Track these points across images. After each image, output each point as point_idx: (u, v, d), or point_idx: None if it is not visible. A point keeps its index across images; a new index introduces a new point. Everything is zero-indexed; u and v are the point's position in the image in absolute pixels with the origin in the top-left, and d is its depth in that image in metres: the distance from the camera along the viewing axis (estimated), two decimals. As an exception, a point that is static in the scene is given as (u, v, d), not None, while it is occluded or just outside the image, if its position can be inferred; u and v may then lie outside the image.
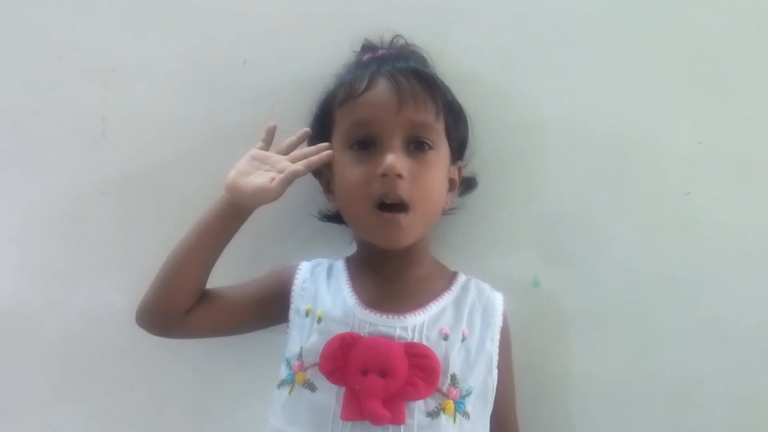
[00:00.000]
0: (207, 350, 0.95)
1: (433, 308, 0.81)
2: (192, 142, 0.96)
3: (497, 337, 0.83)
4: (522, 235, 0.96)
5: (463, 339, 0.80)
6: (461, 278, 0.87)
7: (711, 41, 0.94)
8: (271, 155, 0.86)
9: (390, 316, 0.79)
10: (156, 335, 0.86)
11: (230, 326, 0.88)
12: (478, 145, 0.92)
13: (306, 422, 0.78)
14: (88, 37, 0.96)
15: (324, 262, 0.88)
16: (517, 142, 0.95)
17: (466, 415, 0.78)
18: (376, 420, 0.74)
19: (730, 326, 0.93)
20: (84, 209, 0.97)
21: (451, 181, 0.87)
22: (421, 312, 0.80)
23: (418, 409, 0.76)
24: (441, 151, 0.83)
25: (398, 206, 0.79)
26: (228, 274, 0.88)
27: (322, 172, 0.87)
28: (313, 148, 0.85)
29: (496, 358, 0.83)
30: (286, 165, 0.83)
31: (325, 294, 0.83)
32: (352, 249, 0.90)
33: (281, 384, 0.82)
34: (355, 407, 0.75)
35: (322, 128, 0.87)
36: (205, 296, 0.85)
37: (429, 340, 0.78)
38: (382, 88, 0.81)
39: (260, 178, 0.82)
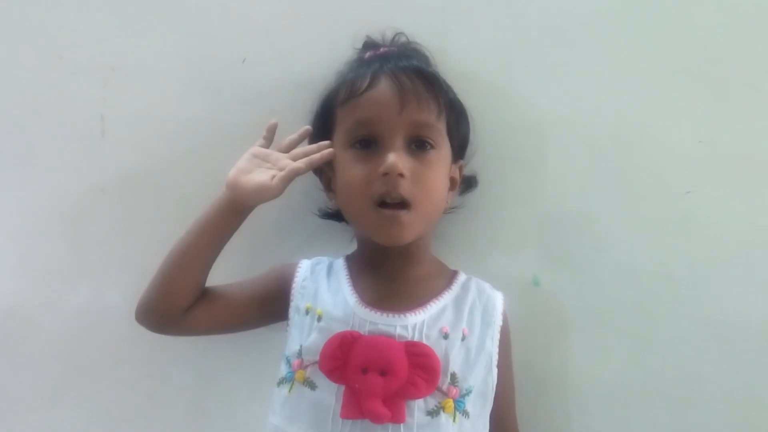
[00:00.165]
0: (206, 349, 0.95)
1: (433, 307, 0.81)
2: (191, 141, 0.96)
3: (497, 336, 0.83)
4: (522, 234, 0.96)
5: (463, 338, 0.80)
6: (461, 277, 0.87)
7: (711, 41, 0.94)
8: (272, 153, 0.86)
9: (390, 315, 0.79)
10: (155, 332, 0.86)
11: (230, 324, 0.87)
12: (478, 144, 0.92)
13: (306, 420, 0.78)
14: (87, 36, 0.96)
15: (324, 260, 0.88)
16: (516, 142, 0.95)
17: (465, 414, 0.78)
18: (376, 419, 0.74)
19: (730, 326, 0.93)
20: (83, 208, 0.97)
21: (452, 180, 0.87)
22: (421, 311, 0.80)
23: (417, 408, 0.76)
24: (442, 151, 0.83)
25: (399, 204, 0.79)
26: (228, 271, 0.88)
27: (323, 170, 0.87)
28: (314, 146, 0.85)
29: (495, 357, 0.83)
30: (287, 163, 0.83)
31: (326, 292, 0.83)
32: (352, 247, 0.90)
33: (281, 382, 0.82)
34: (355, 406, 0.75)
35: (323, 126, 0.87)
36: (204, 294, 0.85)
37: (429, 339, 0.78)
38: (384, 87, 0.81)
39: (261, 176, 0.82)
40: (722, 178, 0.93)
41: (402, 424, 0.75)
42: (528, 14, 0.95)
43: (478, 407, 0.80)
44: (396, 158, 0.78)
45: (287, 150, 0.86)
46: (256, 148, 0.86)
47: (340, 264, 0.87)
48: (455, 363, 0.78)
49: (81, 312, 0.97)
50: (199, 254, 0.84)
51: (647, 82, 0.94)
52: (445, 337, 0.79)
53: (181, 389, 0.98)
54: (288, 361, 0.82)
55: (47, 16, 0.96)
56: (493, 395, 0.82)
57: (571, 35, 0.94)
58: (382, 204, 0.79)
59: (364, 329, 0.78)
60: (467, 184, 0.92)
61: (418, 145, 0.82)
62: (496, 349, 0.83)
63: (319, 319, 0.80)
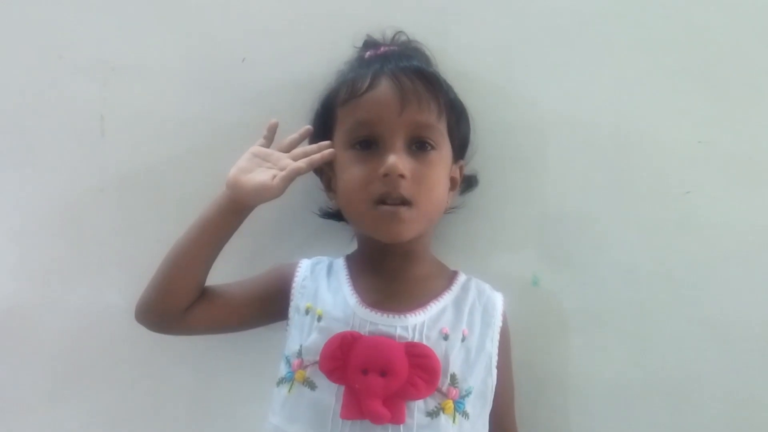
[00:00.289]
0: (206, 348, 0.95)
1: (433, 308, 0.81)
2: (191, 141, 0.96)
3: (497, 337, 0.83)
4: (521, 234, 0.96)
5: (463, 339, 0.80)
6: (461, 278, 0.87)
7: (711, 41, 0.94)
8: (273, 152, 0.85)
9: (390, 316, 0.79)
10: (155, 332, 0.86)
11: (229, 323, 0.87)
12: (477, 144, 0.92)
13: (306, 420, 0.77)
14: (87, 36, 0.96)
15: (324, 260, 0.88)
16: (516, 141, 0.95)
17: (465, 415, 0.78)
18: (376, 419, 0.74)
19: (730, 326, 0.93)
20: (83, 208, 0.97)
21: (453, 180, 0.87)
22: (421, 311, 0.80)
23: (417, 409, 0.76)
24: (443, 151, 0.83)
25: (400, 203, 0.79)
26: (228, 271, 0.88)
27: (323, 170, 0.86)
28: (314, 146, 0.85)
29: (495, 358, 0.82)
30: (288, 162, 0.83)
31: (326, 292, 0.83)
32: (352, 247, 0.90)
33: (280, 382, 0.82)
34: (354, 406, 0.75)
35: (323, 126, 0.87)
36: (204, 293, 0.85)
37: (429, 339, 0.78)
38: (384, 88, 0.81)
39: (262, 176, 0.82)
40: (722, 178, 0.93)
41: (402, 425, 0.75)
42: (528, 14, 0.95)
43: (477, 408, 0.80)
44: (396, 159, 0.78)
45: (288, 150, 0.86)
46: (257, 148, 0.86)
47: (340, 264, 0.87)
48: (455, 364, 0.78)
49: (81, 312, 0.97)
50: (199, 253, 0.83)
51: (647, 82, 0.94)
52: (445, 338, 0.79)
53: (180, 389, 0.97)
54: (288, 361, 0.82)
55: (47, 16, 0.96)
56: (493, 396, 0.82)
57: (571, 35, 0.94)
58: (382, 203, 0.79)
59: (365, 330, 0.78)
60: (467, 183, 0.92)
61: (419, 145, 0.82)
62: (496, 350, 0.83)
63: (320, 319, 0.80)
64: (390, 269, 0.84)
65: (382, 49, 0.87)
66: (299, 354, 0.80)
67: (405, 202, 0.79)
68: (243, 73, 0.95)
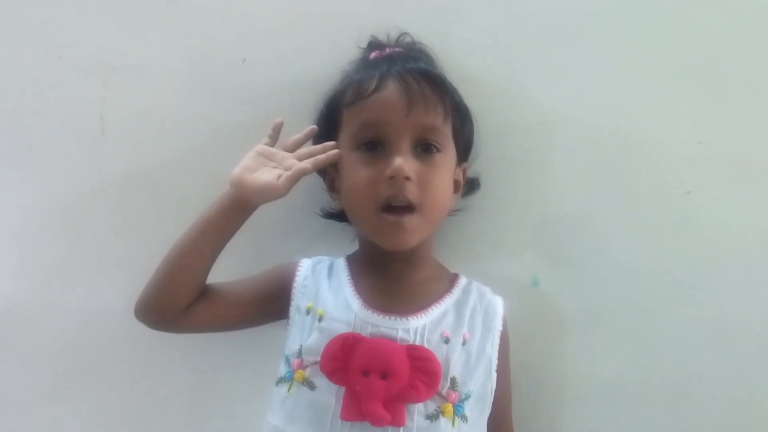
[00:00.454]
0: (205, 347, 0.95)
1: (434, 311, 0.81)
2: (191, 141, 0.96)
3: (497, 341, 0.83)
4: (521, 234, 0.96)
5: (464, 342, 0.80)
6: (462, 281, 0.87)
7: (711, 41, 0.94)
8: (278, 152, 0.85)
9: (392, 318, 0.79)
10: (155, 329, 0.85)
11: (230, 322, 0.87)
12: (477, 145, 0.92)
13: (305, 420, 0.77)
14: (87, 36, 0.96)
15: (325, 260, 0.88)
16: (516, 142, 0.95)
17: (464, 418, 0.78)
18: (376, 421, 0.74)
19: (730, 326, 0.93)
20: (83, 208, 0.97)
21: (456, 183, 0.87)
22: (423, 314, 0.80)
23: (417, 412, 0.76)
24: (448, 154, 0.83)
25: (405, 207, 0.79)
26: (229, 269, 0.88)
27: (327, 171, 0.86)
28: (319, 146, 0.85)
29: (495, 362, 0.83)
30: (293, 163, 0.82)
31: (327, 292, 0.83)
32: (352, 247, 0.90)
33: (280, 381, 0.82)
34: (355, 408, 0.75)
35: (328, 127, 0.87)
36: (205, 291, 0.85)
37: (430, 342, 0.78)
38: (391, 90, 0.81)
39: (267, 175, 0.82)
40: (722, 179, 0.93)
41: (401, 428, 0.75)
42: (528, 14, 0.95)
43: (476, 412, 0.80)
44: (402, 161, 0.78)
45: (292, 149, 0.86)
46: (262, 147, 0.86)
47: (341, 264, 0.87)
48: (455, 367, 0.79)
49: (80, 312, 0.97)
50: (201, 252, 0.83)
51: (647, 82, 0.94)
52: (446, 341, 0.79)
53: (180, 388, 0.97)
54: (287, 361, 0.82)
55: (47, 16, 0.96)
56: (492, 400, 0.82)
57: (571, 35, 0.95)
58: (387, 208, 0.79)
59: (366, 331, 0.78)
60: (470, 186, 0.92)
61: (424, 148, 0.82)
62: (496, 354, 0.83)
63: (320, 319, 0.80)
64: (392, 271, 0.84)
65: (387, 50, 0.87)
66: (299, 354, 0.80)
67: (410, 206, 0.79)
68: (243, 73, 0.95)
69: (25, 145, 0.97)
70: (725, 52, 0.93)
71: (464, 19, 0.95)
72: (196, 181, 0.94)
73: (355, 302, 0.81)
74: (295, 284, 0.85)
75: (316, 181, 0.89)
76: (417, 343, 0.78)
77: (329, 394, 0.77)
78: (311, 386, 0.78)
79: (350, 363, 0.76)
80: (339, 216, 0.90)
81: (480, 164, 0.93)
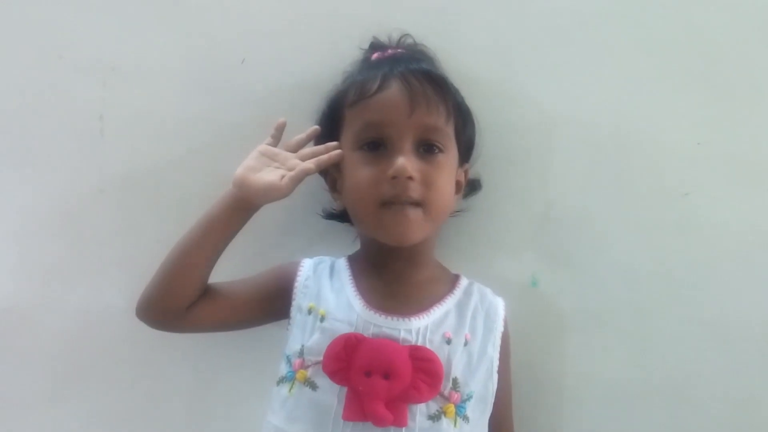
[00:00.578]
0: (206, 347, 0.95)
1: (436, 312, 0.81)
2: (190, 141, 0.96)
3: (498, 342, 0.84)
4: (520, 235, 0.96)
5: (466, 343, 0.81)
6: (463, 282, 0.87)
7: (711, 41, 0.94)
8: (281, 152, 0.85)
9: (395, 318, 0.79)
10: (156, 329, 0.85)
11: (231, 321, 0.87)
12: (478, 146, 0.92)
13: (306, 421, 0.77)
14: (87, 36, 0.96)
15: (326, 260, 0.88)
16: (515, 142, 0.95)
17: (466, 419, 0.79)
18: (379, 421, 0.74)
19: (729, 326, 0.93)
20: (82, 208, 0.97)
21: (458, 184, 0.87)
22: (425, 315, 0.80)
23: (419, 412, 0.76)
24: (450, 154, 0.84)
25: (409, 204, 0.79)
26: (231, 269, 0.87)
27: (328, 171, 0.86)
28: (322, 146, 0.85)
29: (496, 363, 0.83)
30: (296, 163, 0.83)
31: (328, 292, 0.83)
32: (353, 248, 0.90)
33: (281, 381, 0.81)
34: (357, 408, 0.75)
35: (329, 127, 0.87)
36: (207, 291, 0.85)
37: (432, 343, 0.78)
38: (394, 90, 0.81)
39: (270, 175, 0.82)
40: (721, 179, 0.93)
41: (404, 428, 0.75)
42: (528, 14, 0.95)
43: (477, 412, 0.80)
44: (405, 161, 0.78)
45: (295, 149, 0.86)
46: (264, 147, 0.86)
47: (342, 264, 0.87)
48: (457, 368, 0.79)
49: (80, 312, 0.97)
50: (203, 251, 0.83)
51: (647, 82, 0.94)
52: (448, 342, 0.79)
53: (180, 388, 0.97)
54: (288, 361, 0.82)
55: (47, 16, 0.96)
56: (493, 400, 0.82)
57: (571, 35, 0.95)
58: (390, 205, 0.79)
59: (368, 332, 0.78)
60: (471, 187, 0.92)
61: (427, 148, 0.82)
62: (497, 355, 0.83)
63: (322, 319, 0.80)
64: (394, 272, 0.84)
65: (389, 51, 0.88)
66: (301, 354, 0.80)
67: (414, 204, 0.79)
68: (243, 73, 0.95)
69: (24, 145, 0.97)
70: (725, 52, 0.94)
71: (464, 19, 0.95)
72: (196, 181, 0.94)
73: (357, 302, 0.81)
74: (296, 284, 0.85)
75: (317, 182, 0.89)
76: (419, 343, 0.78)
77: (331, 394, 0.77)
78: (313, 386, 0.78)
79: (352, 363, 0.76)
80: (340, 216, 0.90)
81: (480, 164, 0.92)
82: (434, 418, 0.77)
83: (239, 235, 0.85)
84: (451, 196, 0.84)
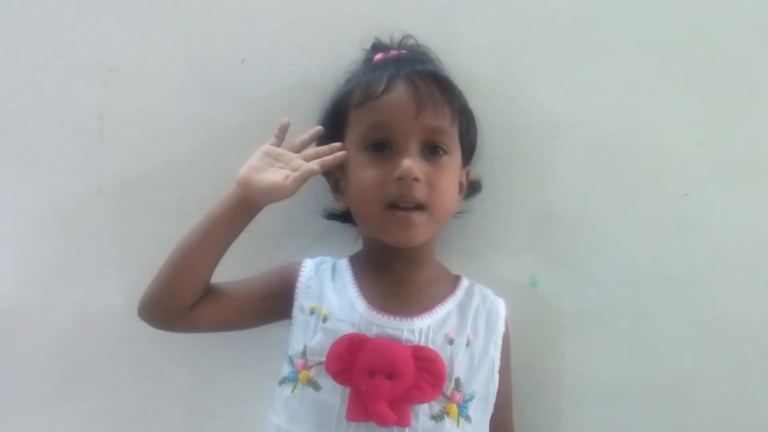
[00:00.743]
0: (206, 347, 0.95)
1: (438, 312, 0.82)
2: (190, 142, 0.96)
3: (500, 342, 0.84)
4: (520, 235, 0.96)
5: (468, 344, 0.81)
6: (465, 282, 0.87)
7: (710, 41, 0.94)
8: (285, 152, 0.85)
9: (397, 319, 0.79)
10: (158, 328, 0.85)
11: (233, 321, 0.87)
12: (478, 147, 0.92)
13: (310, 421, 0.77)
14: (87, 36, 0.96)
15: (327, 260, 0.88)
16: (515, 143, 0.95)
17: (468, 419, 0.79)
18: (382, 421, 0.74)
19: (729, 327, 0.93)
20: (82, 208, 0.96)
21: (460, 185, 0.87)
22: (427, 315, 0.81)
23: (422, 413, 0.76)
24: (455, 156, 0.84)
25: (413, 208, 0.79)
26: (231, 269, 0.87)
27: (331, 171, 0.86)
28: (326, 147, 0.85)
29: (498, 363, 0.83)
30: (300, 163, 0.83)
31: (330, 293, 0.83)
32: (354, 248, 0.90)
33: (283, 381, 0.81)
34: (360, 408, 0.75)
35: (333, 127, 0.87)
36: (209, 291, 0.85)
37: (435, 343, 0.79)
38: (400, 92, 0.81)
39: (274, 176, 0.82)
40: (720, 180, 0.93)
41: (407, 428, 0.75)
42: (528, 14, 0.95)
43: (479, 412, 0.81)
44: (411, 163, 0.78)
45: (299, 150, 0.86)
46: (268, 147, 0.86)
47: (343, 265, 0.87)
48: (459, 368, 0.79)
49: (80, 312, 0.96)
50: (205, 251, 0.83)
51: (647, 83, 0.94)
52: (450, 342, 0.80)
53: (180, 388, 0.97)
54: (291, 361, 0.82)
55: (47, 16, 0.96)
56: (494, 400, 0.82)
57: (571, 35, 0.95)
58: (395, 206, 0.79)
59: (371, 332, 0.78)
60: (471, 188, 0.92)
61: (431, 150, 0.82)
62: (499, 355, 0.83)
63: (325, 319, 0.80)
64: (396, 272, 0.84)
65: (392, 52, 0.88)
66: (303, 354, 0.80)
67: (419, 206, 0.79)
68: (242, 73, 0.95)
69: (24, 145, 0.97)
70: (725, 52, 0.94)
71: (464, 19, 0.95)
72: (196, 181, 0.94)
73: (359, 303, 0.81)
74: (298, 284, 0.85)
75: (318, 182, 0.89)
76: (422, 343, 0.78)
77: (334, 395, 0.77)
78: (316, 386, 0.78)
79: (356, 363, 0.76)
80: (341, 216, 0.90)
81: (480, 165, 0.93)
82: (437, 418, 0.77)
83: (240, 234, 0.85)
84: (454, 198, 0.85)
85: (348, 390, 0.76)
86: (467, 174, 0.90)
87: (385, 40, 0.90)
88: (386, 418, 0.74)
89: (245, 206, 0.83)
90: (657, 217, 0.94)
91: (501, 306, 0.86)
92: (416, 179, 0.78)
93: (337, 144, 0.84)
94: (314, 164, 0.82)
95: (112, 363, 0.97)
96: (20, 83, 0.96)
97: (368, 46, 0.91)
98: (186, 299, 0.83)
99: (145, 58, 0.96)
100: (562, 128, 0.94)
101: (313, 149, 0.86)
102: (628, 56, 0.94)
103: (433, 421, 0.76)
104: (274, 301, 0.86)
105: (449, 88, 0.83)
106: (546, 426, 0.95)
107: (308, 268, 0.86)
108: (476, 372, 0.80)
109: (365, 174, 0.81)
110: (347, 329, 0.78)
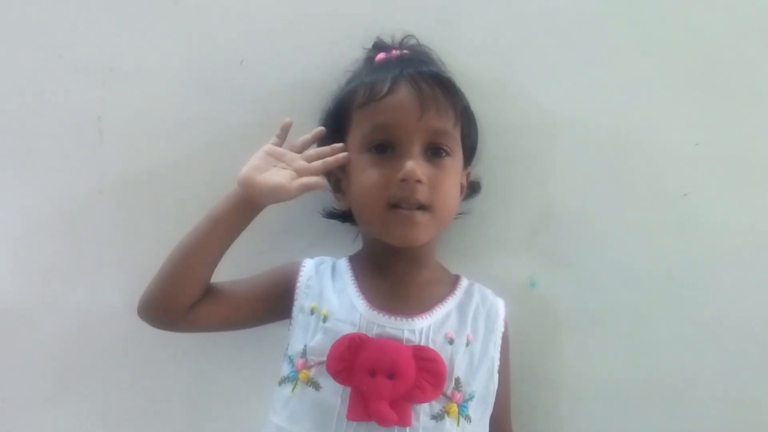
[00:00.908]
0: (206, 347, 0.95)
1: (438, 312, 0.82)
2: (189, 142, 0.96)
3: (499, 342, 0.84)
4: (519, 235, 0.96)
5: (468, 343, 0.81)
6: (464, 282, 0.87)
7: (710, 42, 0.94)
8: (287, 153, 0.85)
9: (398, 319, 0.79)
10: (157, 328, 0.85)
11: (232, 321, 0.87)
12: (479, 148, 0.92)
13: (310, 420, 0.77)
14: (86, 36, 0.96)
15: (327, 260, 0.88)
16: (514, 143, 0.95)
17: (468, 418, 0.79)
18: (383, 421, 0.74)
19: (728, 327, 0.93)
20: (81, 208, 0.96)
21: (460, 187, 0.87)
22: (427, 315, 0.81)
23: (423, 412, 0.76)
24: (457, 158, 0.84)
25: (416, 209, 0.80)
26: (230, 269, 0.87)
27: (332, 172, 0.86)
28: (328, 148, 0.85)
29: (497, 363, 0.83)
30: (303, 164, 0.83)
31: (331, 293, 0.83)
32: (354, 248, 0.90)
33: (283, 381, 0.81)
34: (361, 408, 0.75)
35: (334, 128, 0.86)
36: (209, 291, 0.84)
37: (435, 343, 0.79)
38: (404, 93, 0.81)
39: (278, 176, 0.82)
40: (720, 180, 0.93)
41: (408, 428, 0.76)
42: (528, 14, 0.95)
43: (479, 412, 0.81)
44: (414, 165, 0.78)
45: (300, 150, 0.86)
46: (271, 147, 0.86)
47: (343, 265, 0.87)
48: (460, 368, 0.79)
49: (80, 312, 0.96)
50: (205, 251, 0.83)
51: (647, 82, 0.94)
52: (450, 342, 0.80)
53: (180, 388, 0.97)
54: (291, 361, 0.82)
55: (47, 16, 0.96)
56: (494, 400, 0.82)
57: (571, 35, 0.95)
58: (397, 207, 0.79)
59: (372, 332, 0.78)
60: (471, 189, 0.92)
61: (434, 152, 0.82)
62: (498, 355, 0.83)
63: (325, 319, 0.80)
64: (396, 272, 0.84)
65: (394, 52, 0.87)
66: (304, 354, 0.80)
67: (421, 207, 0.79)
68: (242, 73, 0.95)
69: (23, 145, 0.97)
70: (724, 53, 0.94)
71: (464, 19, 0.95)
72: (195, 181, 0.94)
73: (360, 303, 0.81)
74: (298, 284, 0.85)
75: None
76: (422, 343, 0.78)
77: (334, 394, 0.77)
78: (316, 386, 0.78)
79: (356, 363, 0.76)
80: (341, 216, 0.90)
81: (480, 165, 0.93)
82: (437, 417, 0.77)
83: (241, 234, 0.85)
84: (456, 199, 0.85)
85: (348, 390, 0.76)
86: (468, 175, 0.90)
87: (386, 39, 0.90)
88: (387, 418, 0.74)
89: (247, 206, 0.83)
90: (656, 217, 0.94)
91: (500, 306, 0.86)
92: (419, 181, 0.78)
93: (339, 145, 0.84)
94: (319, 163, 0.82)
95: (112, 363, 0.97)
96: (20, 83, 0.96)
97: (369, 45, 0.91)
98: (186, 298, 0.83)
99: (144, 58, 0.96)
100: (562, 128, 0.94)
101: (314, 150, 0.86)
102: (628, 56, 0.94)
103: (433, 421, 0.76)
104: (273, 301, 0.85)
105: (453, 90, 0.83)
106: (545, 426, 0.95)
107: (308, 268, 0.86)
108: (476, 372, 0.80)
109: (368, 175, 0.81)
110: (348, 329, 0.78)
